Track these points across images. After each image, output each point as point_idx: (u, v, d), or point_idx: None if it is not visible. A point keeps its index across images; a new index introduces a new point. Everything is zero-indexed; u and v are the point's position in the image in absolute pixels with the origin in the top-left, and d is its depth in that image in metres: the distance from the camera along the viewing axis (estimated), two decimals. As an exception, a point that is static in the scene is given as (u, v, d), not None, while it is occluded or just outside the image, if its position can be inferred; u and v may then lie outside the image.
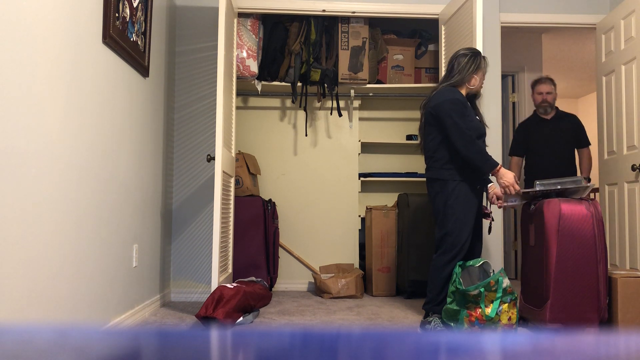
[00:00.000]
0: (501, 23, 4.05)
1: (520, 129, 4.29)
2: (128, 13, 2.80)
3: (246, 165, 4.12)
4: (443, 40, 3.90)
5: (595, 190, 4.62)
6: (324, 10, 3.99)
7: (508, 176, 2.77)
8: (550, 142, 4.09)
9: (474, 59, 2.93)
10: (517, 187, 2.79)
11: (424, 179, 3.05)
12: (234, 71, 3.79)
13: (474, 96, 3.03)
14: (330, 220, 4.49)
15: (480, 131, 2.87)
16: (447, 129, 2.79)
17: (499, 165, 2.78)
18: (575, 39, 5.12)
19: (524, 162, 4.24)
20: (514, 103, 5.46)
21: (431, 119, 2.89)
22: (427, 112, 2.91)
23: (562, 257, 2.76)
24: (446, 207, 2.83)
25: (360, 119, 4.65)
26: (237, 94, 4.18)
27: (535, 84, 4.18)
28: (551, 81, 4.15)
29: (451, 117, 2.78)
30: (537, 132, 4.13)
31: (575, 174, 4.06)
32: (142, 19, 3.03)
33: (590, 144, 4.17)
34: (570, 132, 4.11)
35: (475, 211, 2.87)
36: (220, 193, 3.15)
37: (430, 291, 2.87)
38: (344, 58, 4.25)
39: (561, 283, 2.76)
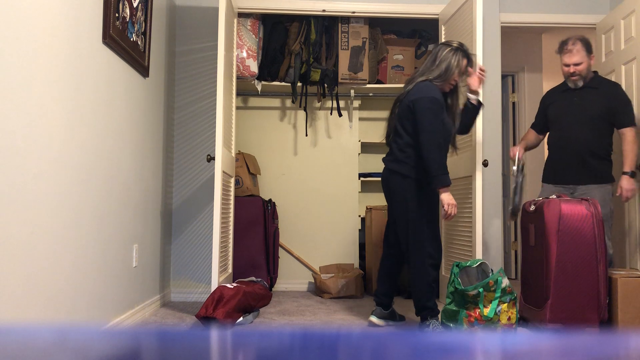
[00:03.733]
0: (501, 23, 4.05)
1: (543, 98, 3.52)
2: (128, 13, 2.80)
3: (246, 165, 4.12)
4: (443, 41, 3.90)
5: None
6: (324, 10, 3.99)
7: (449, 197, 2.71)
8: (570, 116, 3.26)
9: (456, 54, 2.83)
10: (455, 211, 2.73)
11: None
12: (234, 71, 3.79)
13: (454, 92, 2.93)
14: (330, 220, 4.49)
15: (448, 133, 2.84)
16: (419, 126, 2.72)
17: (449, 186, 2.72)
18: (575, 39, 5.12)
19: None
20: (514, 103, 5.46)
21: (409, 114, 2.79)
22: (405, 105, 2.80)
23: (562, 257, 2.76)
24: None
25: (360, 119, 4.65)
26: (237, 94, 4.18)
27: (560, 50, 3.27)
28: (582, 45, 3.20)
29: (427, 116, 2.71)
30: (557, 103, 3.35)
31: (603, 162, 3.20)
32: (142, 19, 3.03)
33: (634, 124, 3.18)
34: (599, 104, 3.19)
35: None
36: (220, 193, 3.15)
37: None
38: (344, 58, 4.25)
39: (561, 283, 2.76)
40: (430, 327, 2.79)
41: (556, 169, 3.35)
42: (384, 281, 3.05)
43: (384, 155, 3.00)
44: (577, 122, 3.25)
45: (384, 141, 3.01)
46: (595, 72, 3.35)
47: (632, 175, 3.12)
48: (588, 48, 3.22)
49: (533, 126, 3.54)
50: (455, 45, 2.86)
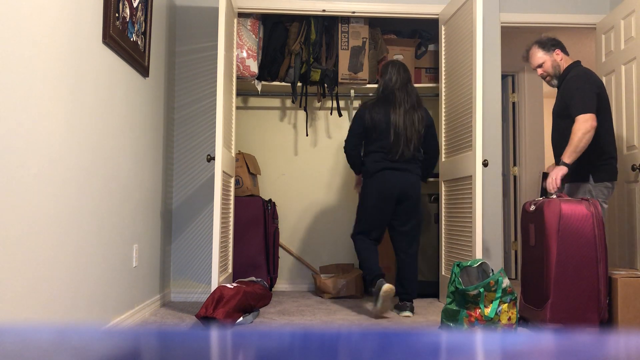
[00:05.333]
0: (501, 23, 4.05)
1: None
2: (128, 13, 2.80)
3: (246, 165, 4.12)
4: (443, 40, 3.90)
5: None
6: (324, 10, 3.99)
7: None
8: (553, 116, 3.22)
9: None
10: None
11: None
12: (234, 71, 3.79)
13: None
14: (330, 220, 4.49)
15: None
16: (434, 138, 3.40)
17: None
18: (575, 39, 5.13)
19: None
20: (514, 103, 5.46)
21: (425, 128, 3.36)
22: (427, 123, 3.35)
23: (562, 257, 2.76)
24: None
25: (360, 119, 4.65)
26: (237, 94, 4.18)
27: (526, 61, 3.32)
28: (537, 46, 3.18)
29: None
30: None
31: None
32: (142, 19, 3.03)
33: (581, 112, 2.91)
34: (558, 102, 3.14)
35: None
36: (220, 193, 3.15)
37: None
38: (344, 58, 4.25)
39: (561, 283, 2.76)
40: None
41: None
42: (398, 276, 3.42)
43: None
44: (553, 122, 3.22)
45: (407, 156, 3.30)
46: (568, 66, 3.13)
47: (567, 165, 2.88)
48: (544, 46, 3.14)
49: None
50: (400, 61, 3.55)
